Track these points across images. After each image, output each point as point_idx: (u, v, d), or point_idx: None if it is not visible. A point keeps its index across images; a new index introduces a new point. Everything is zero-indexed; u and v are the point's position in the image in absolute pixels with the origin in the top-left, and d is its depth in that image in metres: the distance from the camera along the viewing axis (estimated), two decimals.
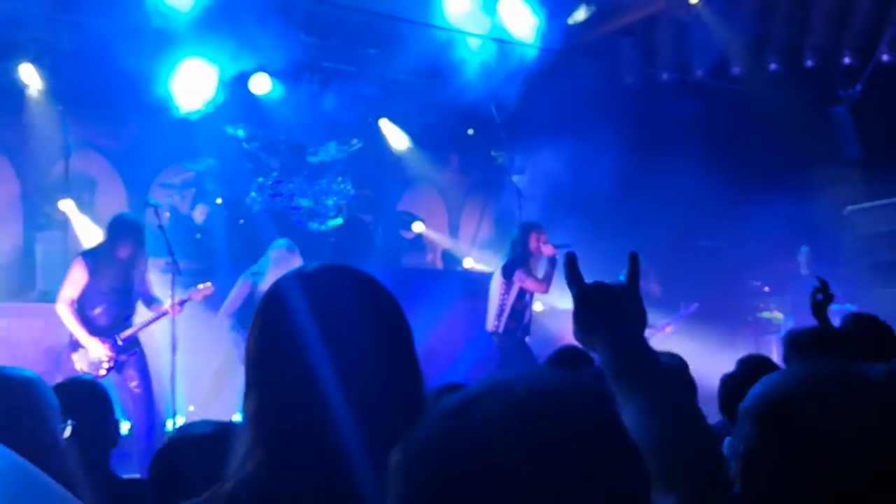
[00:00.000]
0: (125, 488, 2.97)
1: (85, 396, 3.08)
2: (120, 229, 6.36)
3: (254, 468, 1.29)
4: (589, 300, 1.41)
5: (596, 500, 0.81)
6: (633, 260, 1.45)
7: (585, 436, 0.84)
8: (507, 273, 7.66)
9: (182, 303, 6.42)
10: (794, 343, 3.04)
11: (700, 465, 1.18)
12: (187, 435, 2.36)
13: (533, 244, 7.69)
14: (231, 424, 2.33)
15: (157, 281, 6.75)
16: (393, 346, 1.36)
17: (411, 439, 0.88)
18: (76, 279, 6.24)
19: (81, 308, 6.24)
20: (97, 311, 6.28)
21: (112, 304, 6.32)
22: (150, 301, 6.57)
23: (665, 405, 1.23)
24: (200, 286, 6.64)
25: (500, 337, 7.66)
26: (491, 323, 7.72)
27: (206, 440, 2.18)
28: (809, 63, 11.14)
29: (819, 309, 3.84)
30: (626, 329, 1.36)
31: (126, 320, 6.42)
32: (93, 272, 6.25)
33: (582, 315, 1.41)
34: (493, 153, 11.20)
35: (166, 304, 6.38)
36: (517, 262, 7.66)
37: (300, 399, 1.28)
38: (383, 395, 1.31)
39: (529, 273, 7.62)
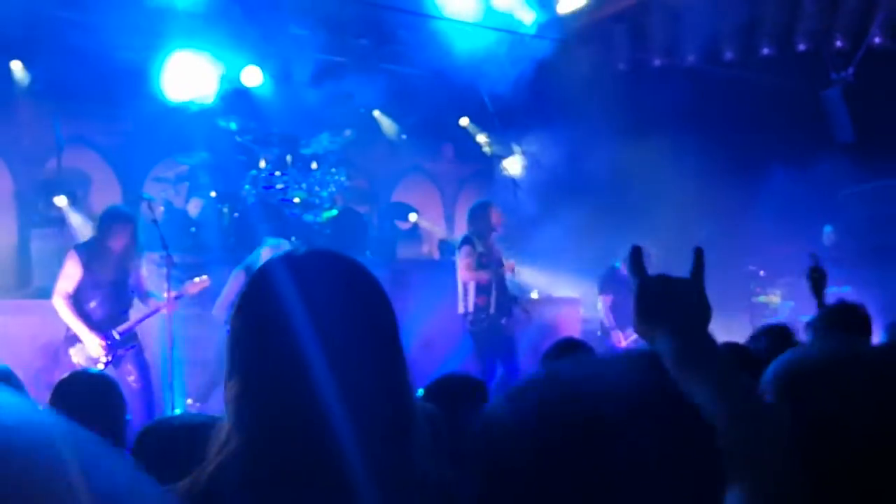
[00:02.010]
0: None
1: (91, 392, 3.04)
2: (110, 221, 6.36)
3: (234, 452, 1.29)
4: (652, 292, 1.37)
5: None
6: (698, 254, 1.41)
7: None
8: (459, 251, 7.75)
9: (178, 297, 6.42)
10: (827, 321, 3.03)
11: (766, 457, 1.16)
12: (167, 424, 2.32)
13: (494, 219, 7.78)
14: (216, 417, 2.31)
15: (152, 275, 6.74)
16: (378, 332, 1.36)
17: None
18: (71, 273, 6.23)
19: (77, 302, 6.23)
20: (92, 304, 6.27)
21: (107, 298, 6.32)
22: (146, 296, 6.56)
23: (727, 397, 1.20)
24: (196, 279, 6.64)
25: (471, 318, 7.65)
26: (460, 306, 7.74)
27: (185, 430, 2.15)
28: (801, 47, 11.13)
29: (817, 288, 3.87)
30: (691, 324, 1.33)
31: (122, 314, 6.41)
32: (87, 265, 6.24)
33: (644, 307, 1.36)
34: (478, 141, 11.20)
35: (162, 298, 6.38)
36: (468, 237, 7.74)
37: (283, 383, 1.28)
38: (368, 381, 1.31)
39: (470, 254, 7.64)
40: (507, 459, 0.91)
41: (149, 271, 6.71)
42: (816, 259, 4.05)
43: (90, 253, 6.30)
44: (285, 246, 7.29)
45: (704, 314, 1.35)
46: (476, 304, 7.67)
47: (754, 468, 1.14)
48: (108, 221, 6.36)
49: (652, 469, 0.88)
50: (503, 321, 7.73)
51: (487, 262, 7.71)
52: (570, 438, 0.88)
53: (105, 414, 2.94)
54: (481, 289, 7.67)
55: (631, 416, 0.90)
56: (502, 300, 7.76)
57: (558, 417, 0.90)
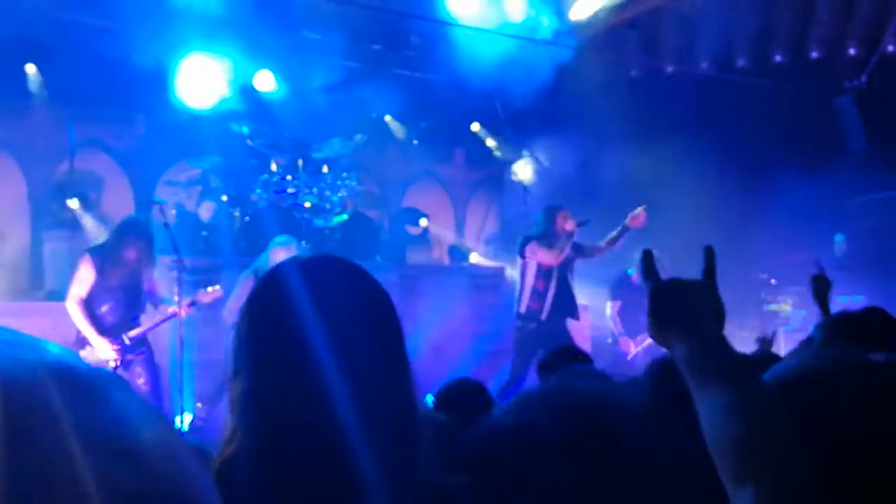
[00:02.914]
0: None
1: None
2: (126, 233, 6.36)
3: (238, 450, 1.30)
4: (665, 296, 1.37)
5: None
6: (709, 254, 1.41)
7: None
8: (521, 251, 7.62)
9: (191, 305, 6.42)
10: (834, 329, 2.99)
11: (783, 457, 1.14)
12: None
13: (559, 223, 7.53)
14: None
15: (163, 279, 6.76)
16: (383, 337, 1.37)
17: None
18: (84, 276, 6.25)
19: (89, 306, 6.25)
20: (104, 308, 6.29)
21: (119, 303, 6.33)
22: (158, 302, 6.57)
23: (743, 397, 1.19)
24: (209, 289, 6.63)
25: (520, 320, 7.56)
26: (515, 306, 7.65)
27: None
28: (814, 54, 11.11)
29: (820, 294, 3.86)
30: (705, 325, 1.32)
31: (134, 319, 6.43)
32: (100, 269, 6.26)
33: (658, 311, 1.36)
34: (489, 145, 11.16)
35: (174, 305, 6.39)
36: (530, 237, 7.55)
37: (288, 382, 1.29)
38: (372, 385, 1.32)
39: (540, 245, 7.45)
40: (508, 463, 0.92)
41: (160, 275, 6.72)
42: (821, 267, 4.04)
43: (104, 257, 6.32)
44: (294, 245, 7.29)
45: (718, 316, 1.34)
46: (529, 308, 7.53)
47: (771, 469, 1.13)
48: (123, 234, 6.36)
49: (651, 478, 0.88)
50: (559, 326, 7.48)
51: (548, 268, 7.54)
52: (572, 443, 0.89)
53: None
54: (536, 294, 7.50)
55: (632, 426, 0.89)
56: (560, 305, 7.54)
57: (561, 422, 0.91)
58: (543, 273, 7.53)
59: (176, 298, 6.38)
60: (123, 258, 6.29)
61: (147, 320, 6.50)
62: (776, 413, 1.21)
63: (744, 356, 1.28)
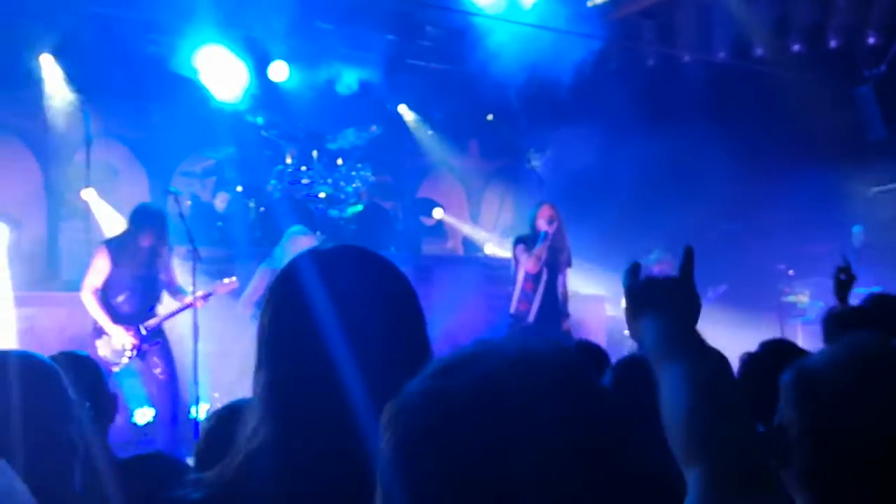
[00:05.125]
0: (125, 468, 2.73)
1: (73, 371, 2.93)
2: (141, 219, 6.40)
3: (263, 442, 1.29)
4: (639, 291, 1.42)
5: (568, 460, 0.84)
6: (688, 253, 1.46)
7: (562, 399, 0.86)
8: (513, 251, 7.58)
9: (207, 296, 6.44)
10: (839, 321, 3.01)
11: (728, 442, 1.16)
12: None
13: (538, 221, 7.46)
14: None
15: (178, 269, 6.78)
16: (405, 326, 1.37)
17: (404, 394, 0.92)
18: (99, 267, 6.28)
19: (105, 296, 6.28)
20: (120, 298, 6.32)
21: (135, 293, 6.36)
22: (176, 291, 6.60)
23: (699, 380, 1.21)
24: (226, 280, 6.66)
25: (511, 319, 7.53)
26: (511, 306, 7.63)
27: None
28: (833, 43, 10.99)
29: (841, 289, 3.83)
30: (676, 309, 1.36)
31: (150, 309, 6.45)
32: (115, 260, 6.28)
33: (632, 305, 1.42)
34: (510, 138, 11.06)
35: (190, 295, 6.41)
36: (519, 239, 7.54)
37: (310, 375, 1.29)
38: (395, 374, 1.31)
39: (525, 249, 7.39)
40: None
41: (176, 265, 6.74)
42: (846, 260, 4.00)
43: (119, 248, 6.35)
44: (308, 233, 7.30)
45: (693, 306, 1.38)
46: (518, 309, 7.48)
47: (718, 445, 1.15)
48: (138, 220, 6.40)
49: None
50: (551, 329, 7.32)
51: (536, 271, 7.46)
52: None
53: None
54: (525, 295, 7.42)
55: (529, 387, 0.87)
56: (549, 308, 7.45)
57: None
58: (532, 276, 7.44)
59: (191, 288, 6.39)
60: (139, 246, 6.32)
61: (163, 310, 6.53)
62: (729, 391, 1.23)
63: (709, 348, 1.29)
